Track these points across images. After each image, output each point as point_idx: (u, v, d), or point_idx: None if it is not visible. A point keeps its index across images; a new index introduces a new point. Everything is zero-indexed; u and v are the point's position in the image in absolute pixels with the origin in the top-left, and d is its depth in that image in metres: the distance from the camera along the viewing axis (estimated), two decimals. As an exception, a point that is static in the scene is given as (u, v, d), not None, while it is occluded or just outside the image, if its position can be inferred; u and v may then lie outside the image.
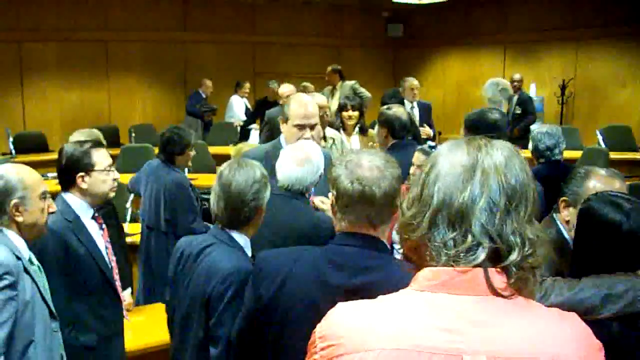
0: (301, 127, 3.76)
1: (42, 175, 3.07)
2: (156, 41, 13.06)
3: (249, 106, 12.19)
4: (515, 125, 9.91)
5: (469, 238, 1.23)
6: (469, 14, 14.28)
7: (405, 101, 8.31)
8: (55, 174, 3.55)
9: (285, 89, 7.65)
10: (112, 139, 9.66)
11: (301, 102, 3.86)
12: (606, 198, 2.37)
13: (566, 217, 2.83)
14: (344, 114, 5.87)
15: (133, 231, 5.59)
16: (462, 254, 1.22)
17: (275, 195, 3.11)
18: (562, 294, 2.26)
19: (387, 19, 15.95)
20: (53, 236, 3.05)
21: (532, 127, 8.12)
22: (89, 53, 12.45)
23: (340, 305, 1.34)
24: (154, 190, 4.99)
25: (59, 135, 11.98)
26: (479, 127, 3.75)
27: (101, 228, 3.39)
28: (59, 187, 3.36)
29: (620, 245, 2.27)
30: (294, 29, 14.63)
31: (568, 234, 2.81)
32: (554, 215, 2.92)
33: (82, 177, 3.23)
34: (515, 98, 10.74)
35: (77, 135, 4.31)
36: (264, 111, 7.40)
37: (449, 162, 1.29)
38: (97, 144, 3.43)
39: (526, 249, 1.23)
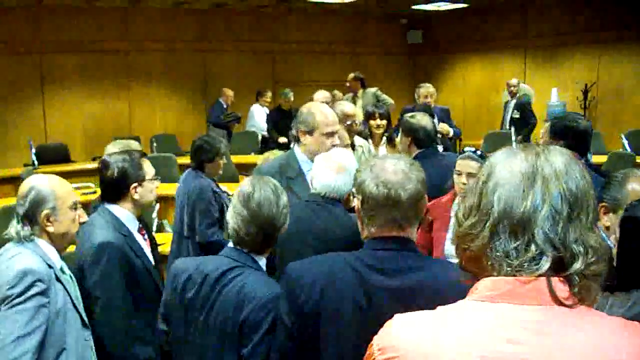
0: (330, 134, 3.75)
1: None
2: (176, 51, 13.14)
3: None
4: (516, 131, 9.89)
5: (532, 247, 1.20)
6: (488, 19, 14.23)
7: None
8: (80, 185, 3.55)
9: (320, 95, 7.58)
10: (134, 149, 9.65)
11: (323, 111, 3.85)
12: None
13: (606, 222, 2.77)
14: (372, 122, 5.76)
15: (159, 241, 5.58)
16: (525, 264, 1.20)
17: (310, 202, 3.13)
18: (614, 311, 2.19)
19: (407, 26, 15.93)
20: (117, 252, 3.06)
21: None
22: (109, 64, 12.55)
23: (398, 316, 1.32)
24: (181, 195, 5.07)
25: (81, 146, 12.10)
26: (568, 134, 3.78)
27: (144, 239, 3.42)
28: (85, 197, 3.37)
29: None
30: (314, 37, 14.67)
31: (610, 241, 2.75)
32: None
33: (135, 187, 3.28)
34: (513, 103, 10.73)
35: (113, 147, 4.27)
36: (282, 120, 7.36)
37: (508, 170, 1.27)
38: (143, 154, 3.49)
39: (589, 256, 1.20)
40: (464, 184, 3.64)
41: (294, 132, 3.86)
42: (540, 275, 1.19)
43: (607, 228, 2.77)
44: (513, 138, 9.56)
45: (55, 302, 2.66)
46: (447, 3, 13.17)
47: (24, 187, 2.83)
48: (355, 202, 2.20)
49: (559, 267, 1.20)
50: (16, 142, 11.32)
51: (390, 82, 14.06)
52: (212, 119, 12.13)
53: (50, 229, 2.78)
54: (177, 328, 2.59)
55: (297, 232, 2.96)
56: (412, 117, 4.96)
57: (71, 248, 3.16)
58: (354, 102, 9.32)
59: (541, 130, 4.10)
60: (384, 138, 5.81)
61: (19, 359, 2.47)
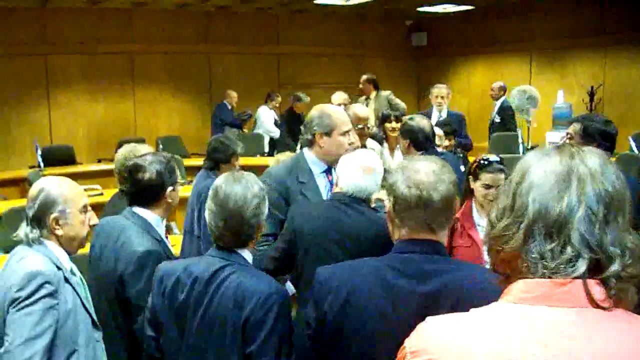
0: (347, 132, 3.73)
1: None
2: (180, 53, 13.16)
3: (277, 118, 12.16)
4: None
5: (569, 249, 1.19)
6: (493, 21, 14.21)
7: (434, 110, 8.19)
8: (87, 187, 3.49)
9: (337, 96, 7.52)
10: (139, 151, 9.64)
11: (337, 110, 3.84)
12: None
13: None
14: (387, 125, 5.72)
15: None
16: (561, 266, 1.18)
17: (335, 201, 3.14)
18: None
19: (411, 28, 15.92)
20: (157, 260, 2.96)
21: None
22: (114, 65, 12.58)
23: (430, 319, 1.31)
24: (193, 196, 5.11)
25: (86, 147, 12.11)
26: (600, 136, 3.84)
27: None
28: (92, 199, 3.31)
29: None
30: (318, 40, 14.67)
31: None
32: None
33: (170, 191, 3.20)
34: (497, 107, 10.71)
35: (126, 150, 4.15)
36: (294, 123, 7.27)
37: (542, 171, 1.25)
38: (171, 156, 3.43)
39: (626, 258, 1.19)
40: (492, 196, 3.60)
41: (308, 136, 3.79)
42: (576, 278, 1.17)
43: None
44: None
45: (64, 303, 2.64)
46: (452, 5, 13.18)
47: (34, 189, 2.80)
48: (387, 204, 2.19)
49: (596, 269, 1.18)
50: (21, 143, 11.36)
51: (394, 84, 13.99)
52: (228, 119, 12.12)
53: (59, 232, 2.75)
54: (168, 333, 2.55)
55: (325, 232, 2.99)
56: (411, 119, 4.97)
57: (85, 249, 3.13)
58: (366, 105, 9.23)
59: (568, 131, 4.06)
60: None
61: None
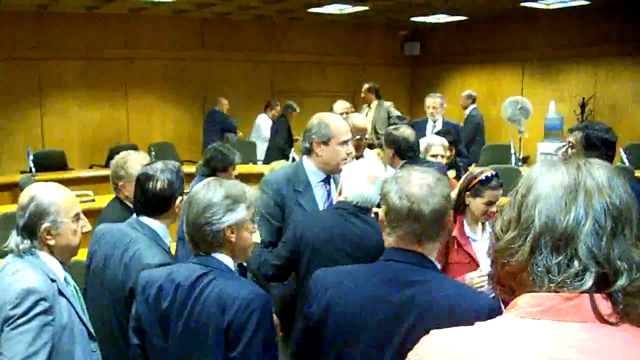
0: (345, 142, 3.73)
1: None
2: (176, 59, 13.15)
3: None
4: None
5: (575, 263, 1.18)
6: (486, 32, 14.28)
7: (428, 120, 8.20)
8: (79, 192, 3.41)
9: (340, 105, 7.52)
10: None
11: (336, 120, 3.83)
12: None
13: None
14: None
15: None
16: (568, 280, 1.18)
17: (340, 210, 3.18)
18: None
19: (405, 37, 15.96)
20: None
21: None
22: (107, 71, 12.56)
23: (435, 332, 1.29)
24: (186, 201, 5.01)
25: (78, 153, 12.06)
26: (602, 145, 3.83)
27: None
28: (84, 206, 3.23)
29: None
30: (314, 48, 14.70)
31: None
32: None
33: (180, 201, 3.14)
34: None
35: (137, 161, 3.98)
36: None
37: (549, 183, 1.25)
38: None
39: (633, 272, 1.18)
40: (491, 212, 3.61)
41: (306, 144, 3.80)
42: (583, 292, 1.17)
43: None
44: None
45: (60, 317, 2.58)
46: (446, 15, 13.23)
47: (24, 197, 2.71)
48: (380, 212, 2.24)
49: (602, 283, 1.18)
50: (14, 148, 11.31)
51: (390, 93, 14.06)
52: (225, 125, 12.09)
53: (51, 242, 2.67)
54: (153, 340, 2.55)
55: (330, 240, 3.02)
56: (395, 129, 4.99)
57: (82, 254, 3.08)
58: (366, 114, 9.22)
59: (569, 139, 4.05)
60: None
61: None
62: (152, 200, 3.10)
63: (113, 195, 4.10)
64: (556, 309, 1.17)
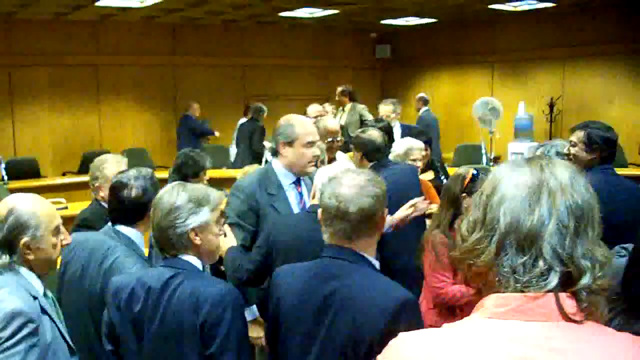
0: (311, 144, 3.69)
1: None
2: (146, 65, 13.07)
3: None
4: None
5: (540, 262, 1.20)
6: (456, 34, 14.38)
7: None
8: (52, 200, 3.38)
9: (313, 109, 7.47)
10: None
11: (301, 121, 3.79)
12: None
13: None
14: None
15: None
16: (533, 280, 1.19)
17: (313, 213, 3.13)
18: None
19: (375, 40, 16.04)
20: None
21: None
22: (79, 77, 12.45)
23: (403, 335, 1.29)
24: None
25: (50, 160, 11.93)
26: (604, 143, 3.92)
27: None
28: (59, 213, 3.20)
29: None
30: (284, 51, 14.68)
31: None
32: None
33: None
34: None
35: (113, 163, 4.03)
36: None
37: (513, 184, 1.25)
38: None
39: (597, 271, 1.20)
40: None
41: (273, 145, 3.78)
42: (548, 291, 1.18)
43: None
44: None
45: (44, 337, 2.51)
46: (416, 18, 13.31)
47: (1, 209, 2.59)
48: (319, 211, 2.38)
49: (567, 282, 1.19)
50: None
51: (361, 95, 14.08)
52: (199, 128, 12.08)
53: (31, 257, 2.57)
54: (127, 345, 2.54)
55: (301, 243, 3.03)
56: (362, 131, 5.00)
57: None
58: (340, 117, 9.20)
59: (571, 139, 4.08)
60: None
61: None
62: (126, 208, 3.08)
63: (87, 203, 4.10)
64: (522, 309, 1.18)
